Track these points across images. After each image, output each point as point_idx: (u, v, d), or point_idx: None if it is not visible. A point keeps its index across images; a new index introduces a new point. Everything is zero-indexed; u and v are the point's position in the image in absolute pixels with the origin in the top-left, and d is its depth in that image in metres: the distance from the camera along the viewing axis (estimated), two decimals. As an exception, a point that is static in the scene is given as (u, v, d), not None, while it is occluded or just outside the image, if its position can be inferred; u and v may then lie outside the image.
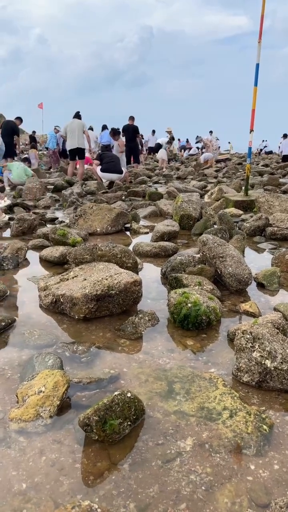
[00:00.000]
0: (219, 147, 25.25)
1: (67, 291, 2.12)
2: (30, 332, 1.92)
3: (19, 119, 11.14)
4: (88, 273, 2.32)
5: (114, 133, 10.04)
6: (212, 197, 6.31)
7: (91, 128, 13.14)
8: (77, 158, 9.19)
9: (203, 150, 16.69)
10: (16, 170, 8.48)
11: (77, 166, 9.40)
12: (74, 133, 8.89)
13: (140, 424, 1.31)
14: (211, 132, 19.12)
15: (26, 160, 11.54)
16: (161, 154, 15.22)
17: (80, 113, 9.09)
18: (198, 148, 18.60)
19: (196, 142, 19.98)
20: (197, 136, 20.22)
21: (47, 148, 15.52)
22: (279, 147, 16.88)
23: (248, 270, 2.47)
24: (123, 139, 10.64)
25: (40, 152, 17.87)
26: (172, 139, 18.55)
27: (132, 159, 11.69)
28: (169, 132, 17.30)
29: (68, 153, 9.52)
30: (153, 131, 17.94)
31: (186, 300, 1.98)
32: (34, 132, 20.75)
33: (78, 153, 9.08)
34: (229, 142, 32.30)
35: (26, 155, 13.55)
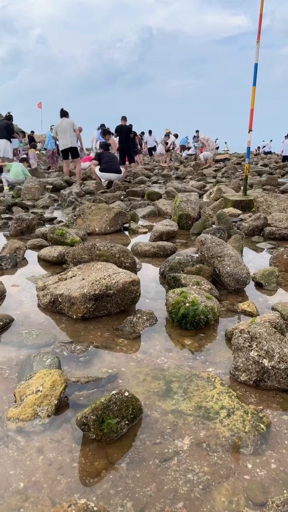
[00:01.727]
0: (218, 147, 25.22)
1: (65, 291, 2.12)
2: (28, 331, 1.93)
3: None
4: (86, 272, 2.32)
5: (104, 133, 10.09)
6: (211, 197, 6.32)
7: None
8: (70, 157, 9.16)
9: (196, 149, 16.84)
10: (14, 169, 8.52)
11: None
12: (66, 132, 8.82)
13: (138, 423, 1.32)
14: (197, 131, 19.07)
15: (25, 160, 11.55)
16: (159, 149, 15.31)
17: (66, 111, 8.93)
18: (196, 147, 18.64)
19: (194, 143, 20.02)
20: (194, 136, 20.26)
21: (45, 149, 15.51)
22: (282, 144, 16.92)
23: (246, 269, 2.48)
24: (115, 138, 10.69)
25: (39, 152, 17.85)
26: (175, 136, 18.59)
27: (127, 159, 11.70)
28: (169, 133, 17.34)
29: (60, 152, 9.49)
30: (150, 131, 17.89)
31: (184, 300, 1.99)
32: (32, 132, 20.73)
33: (71, 152, 9.06)
34: (225, 143, 32.37)
35: (24, 155, 13.53)
